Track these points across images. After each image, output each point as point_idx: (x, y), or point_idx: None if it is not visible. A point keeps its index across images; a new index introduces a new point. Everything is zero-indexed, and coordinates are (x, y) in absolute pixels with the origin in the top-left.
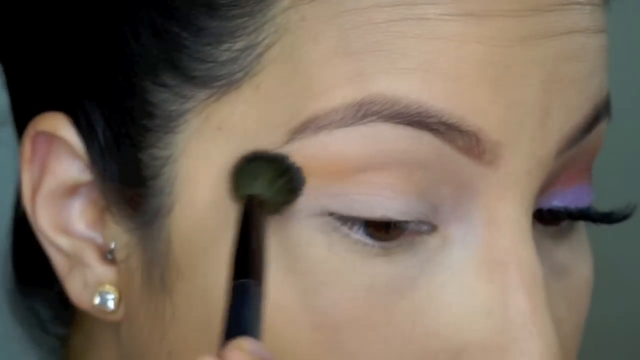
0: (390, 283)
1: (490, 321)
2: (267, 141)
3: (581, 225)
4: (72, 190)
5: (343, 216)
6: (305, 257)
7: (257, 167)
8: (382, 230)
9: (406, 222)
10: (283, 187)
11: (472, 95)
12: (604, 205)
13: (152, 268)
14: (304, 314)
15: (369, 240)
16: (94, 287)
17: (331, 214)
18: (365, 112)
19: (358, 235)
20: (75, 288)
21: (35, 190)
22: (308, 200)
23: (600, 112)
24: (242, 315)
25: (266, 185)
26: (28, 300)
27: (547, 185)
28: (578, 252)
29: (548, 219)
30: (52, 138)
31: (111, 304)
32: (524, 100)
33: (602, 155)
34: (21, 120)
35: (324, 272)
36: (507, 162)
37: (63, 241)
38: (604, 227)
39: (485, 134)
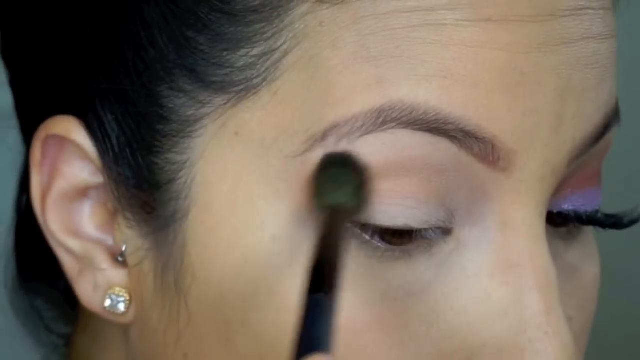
0: (405, 287)
1: (506, 322)
2: (286, 148)
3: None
4: (83, 192)
5: (363, 224)
6: None
7: (339, 175)
8: (400, 236)
9: (425, 229)
10: (368, 195)
11: (489, 102)
12: (612, 209)
13: (167, 272)
14: None
15: (386, 246)
16: (105, 289)
17: (351, 222)
18: (385, 118)
19: (376, 241)
20: (86, 290)
21: (45, 193)
22: None
23: (611, 120)
24: (316, 331)
25: (353, 194)
26: (30, 298)
27: (558, 189)
28: (587, 252)
29: (558, 222)
30: (63, 141)
31: (122, 307)
32: (538, 108)
33: (610, 160)
34: (28, 123)
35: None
36: (520, 169)
37: (73, 243)
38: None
39: (501, 141)
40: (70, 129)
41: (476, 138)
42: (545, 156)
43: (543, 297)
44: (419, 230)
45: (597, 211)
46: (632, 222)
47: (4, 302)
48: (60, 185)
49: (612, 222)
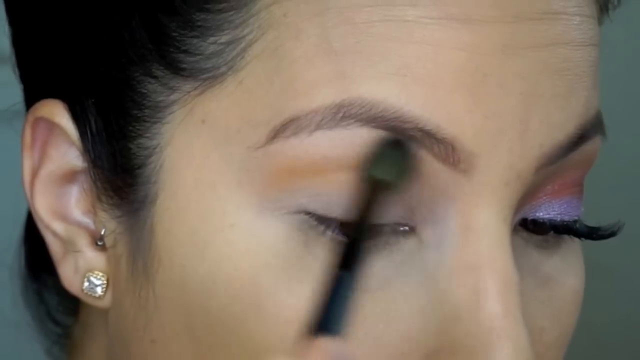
0: (363, 283)
1: (460, 325)
2: (249, 139)
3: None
4: (70, 177)
5: (320, 216)
6: (280, 254)
7: (391, 153)
8: None
9: (382, 225)
10: (408, 176)
11: (449, 103)
12: (594, 221)
13: (137, 256)
14: (278, 309)
15: (344, 240)
16: (84, 272)
17: (308, 213)
18: (344, 114)
19: (334, 234)
20: (67, 272)
21: (34, 176)
22: (288, 198)
23: (587, 132)
24: (335, 307)
25: (396, 173)
26: (38, 289)
27: (531, 196)
28: (567, 263)
29: (532, 229)
30: (51, 125)
31: (99, 290)
32: (502, 111)
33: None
34: (27, 106)
35: (298, 268)
36: (482, 172)
37: (58, 226)
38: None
39: (461, 143)
40: (54, 112)
41: (435, 139)
42: (510, 161)
43: (500, 300)
44: (378, 226)
45: (575, 221)
46: (611, 234)
47: (6, 297)
48: (48, 168)
49: (589, 231)
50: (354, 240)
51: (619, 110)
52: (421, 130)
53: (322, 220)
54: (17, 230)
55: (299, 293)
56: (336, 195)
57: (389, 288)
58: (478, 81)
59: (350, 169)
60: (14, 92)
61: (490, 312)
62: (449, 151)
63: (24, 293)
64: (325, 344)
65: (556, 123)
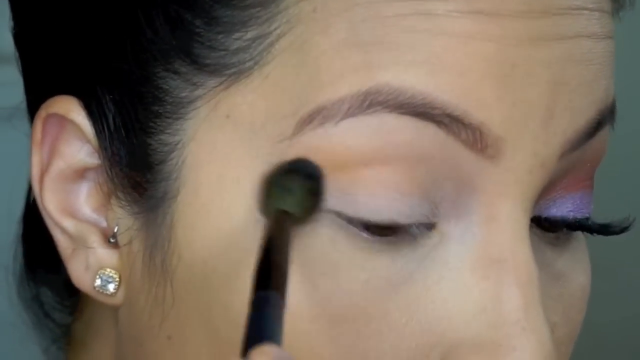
0: (387, 277)
1: (483, 317)
2: (275, 132)
3: (580, 233)
4: (80, 173)
5: (349, 217)
6: (306, 249)
7: (291, 182)
8: (384, 228)
9: (409, 224)
10: (316, 205)
11: (477, 90)
12: (602, 216)
13: (154, 253)
14: (302, 305)
15: (370, 236)
16: (95, 269)
17: (337, 213)
18: (371, 101)
19: (360, 231)
20: (77, 270)
21: (43, 172)
22: None
23: (604, 118)
24: (264, 326)
25: (298, 202)
26: (36, 287)
27: (547, 191)
28: (576, 261)
29: (546, 226)
30: (63, 121)
31: (111, 287)
32: (528, 99)
33: (602, 165)
34: (34, 103)
35: (323, 264)
36: (508, 159)
37: (68, 223)
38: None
39: (488, 128)
40: (69, 108)
41: (463, 124)
42: (534, 148)
43: (522, 293)
44: (404, 225)
45: (587, 218)
46: (622, 230)
47: (3, 297)
48: (59, 164)
49: (601, 227)
50: (276, 264)
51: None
52: (449, 115)
53: (350, 220)
54: (13, 229)
55: (325, 288)
56: (361, 194)
57: (412, 281)
58: (506, 71)
59: (376, 160)
60: (14, 92)
61: (513, 305)
62: (476, 136)
63: (21, 292)
64: (266, 349)
65: (579, 109)
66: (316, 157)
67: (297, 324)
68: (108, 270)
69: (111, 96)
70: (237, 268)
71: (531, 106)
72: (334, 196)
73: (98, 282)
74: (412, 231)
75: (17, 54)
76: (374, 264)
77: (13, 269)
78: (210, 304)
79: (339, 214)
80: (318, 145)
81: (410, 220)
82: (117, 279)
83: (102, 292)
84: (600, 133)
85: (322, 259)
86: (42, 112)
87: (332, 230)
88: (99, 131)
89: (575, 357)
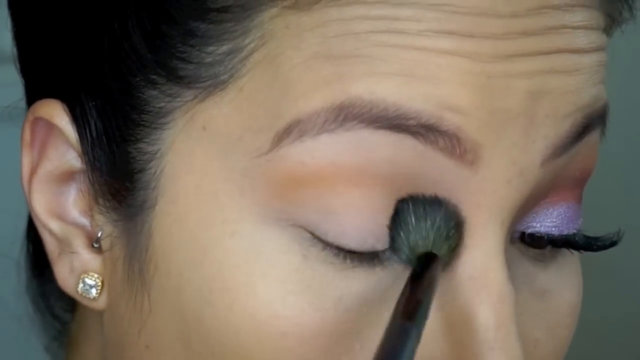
0: (360, 296)
1: (454, 336)
2: (251, 146)
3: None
4: (68, 176)
5: (324, 233)
6: (279, 265)
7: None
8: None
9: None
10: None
11: (453, 98)
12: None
13: (133, 261)
14: (272, 320)
15: (343, 254)
16: (79, 273)
17: (311, 230)
18: (346, 115)
19: (334, 249)
20: (62, 272)
21: (32, 174)
22: (295, 210)
23: (593, 121)
24: (404, 355)
25: (449, 247)
26: (41, 283)
27: (531, 204)
28: (564, 276)
29: (528, 242)
30: (50, 124)
31: (94, 292)
32: (507, 108)
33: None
34: (29, 104)
35: (295, 281)
36: (486, 165)
37: (55, 225)
38: (604, 229)
39: (465, 133)
40: (53, 112)
41: (439, 131)
42: (512, 155)
43: (493, 311)
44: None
45: (574, 234)
46: (611, 245)
47: (7, 293)
48: (47, 167)
49: (588, 244)
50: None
51: (616, 114)
52: (424, 125)
53: (326, 237)
54: (22, 224)
55: (294, 306)
56: (350, 219)
57: (385, 300)
58: (482, 82)
59: (359, 184)
60: (14, 92)
61: (482, 324)
62: (454, 142)
63: (28, 287)
64: None
65: (563, 116)
66: (298, 172)
67: (266, 339)
68: (91, 274)
69: (94, 103)
70: (209, 281)
71: (510, 114)
72: (310, 212)
73: (80, 286)
74: (387, 250)
75: (15, 54)
76: (347, 282)
77: (22, 265)
78: (184, 316)
79: (313, 231)
80: (300, 159)
81: (388, 246)
82: (100, 284)
83: (85, 296)
84: (587, 138)
85: (294, 276)
86: (30, 116)
87: (303, 245)
88: (82, 136)
89: (575, 357)
